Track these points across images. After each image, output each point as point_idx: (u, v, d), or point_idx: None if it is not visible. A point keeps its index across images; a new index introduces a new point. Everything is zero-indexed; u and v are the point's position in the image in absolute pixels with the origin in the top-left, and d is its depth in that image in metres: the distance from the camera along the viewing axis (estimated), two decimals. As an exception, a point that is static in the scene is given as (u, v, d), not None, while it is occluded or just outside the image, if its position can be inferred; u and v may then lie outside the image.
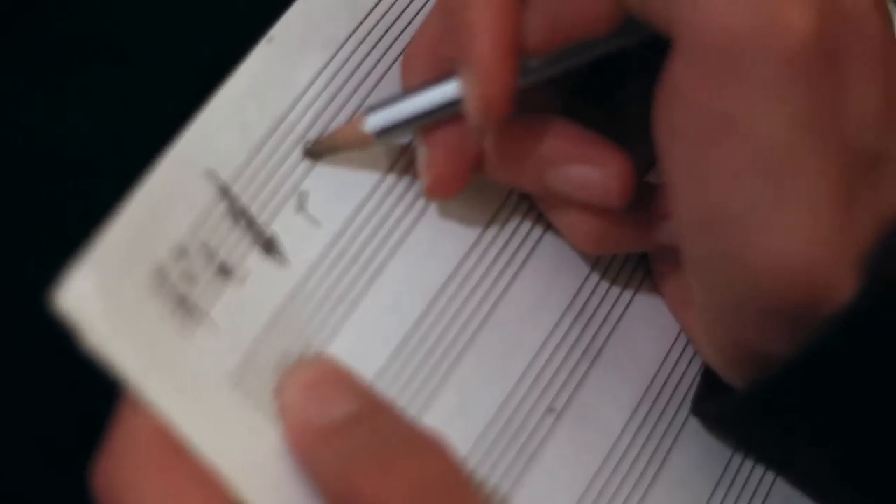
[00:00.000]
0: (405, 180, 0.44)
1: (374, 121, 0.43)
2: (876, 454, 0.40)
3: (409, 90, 0.43)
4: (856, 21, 0.38)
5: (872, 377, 0.39)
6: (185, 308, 0.39)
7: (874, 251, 0.38)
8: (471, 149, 0.43)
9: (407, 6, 0.46)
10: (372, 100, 0.45)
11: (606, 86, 0.45)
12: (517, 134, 0.43)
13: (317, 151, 0.43)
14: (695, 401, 0.46)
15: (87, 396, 0.41)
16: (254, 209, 0.42)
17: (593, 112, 0.44)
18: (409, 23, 0.46)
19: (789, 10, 0.36)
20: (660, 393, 0.46)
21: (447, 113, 0.42)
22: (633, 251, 0.46)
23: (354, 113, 0.44)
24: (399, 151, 0.45)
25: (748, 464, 0.46)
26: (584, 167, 0.42)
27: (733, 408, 0.42)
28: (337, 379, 0.40)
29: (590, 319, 0.46)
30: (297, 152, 0.43)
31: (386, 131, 0.43)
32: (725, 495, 0.45)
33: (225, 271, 0.40)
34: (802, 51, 0.36)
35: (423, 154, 0.43)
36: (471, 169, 0.43)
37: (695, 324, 0.45)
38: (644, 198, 0.44)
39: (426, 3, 0.46)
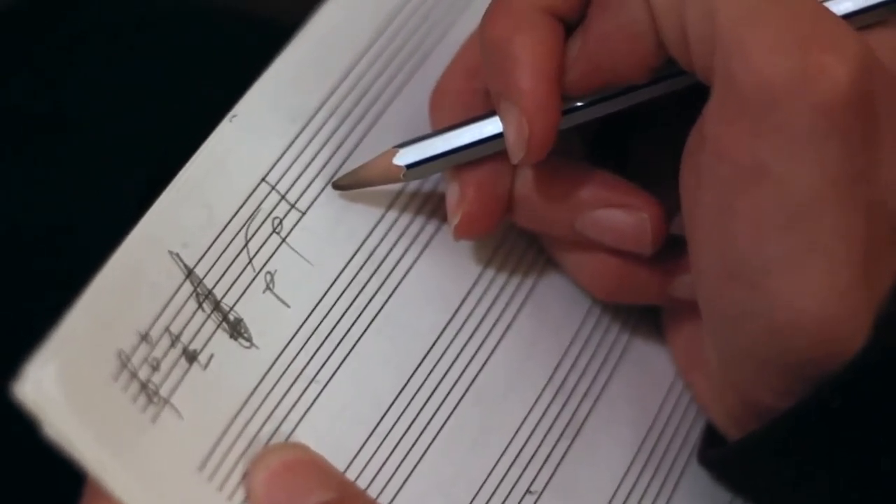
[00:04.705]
0: (377, 257, 0.43)
1: (405, 155, 0.42)
2: None
3: (439, 125, 0.43)
4: (895, 79, 0.38)
5: (875, 430, 0.39)
6: (147, 396, 0.38)
7: (885, 310, 0.38)
8: (503, 189, 0.43)
9: (379, 76, 0.45)
10: (343, 171, 0.44)
11: (619, 139, 0.45)
12: (552, 176, 0.43)
13: (343, 185, 0.43)
14: (699, 451, 0.46)
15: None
16: (218, 291, 0.41)
17: (607, 164, 0.44)
18: (382, 92, 0.45)
19: (829, 62, 0.36)
20: (644, 467, 0.45)
21: (482, 151, 0.42)
22: (645, 303, 0.46)
23: (324, 186, 0.43)
24: (370, 227, 0.44)
25: None
26: (619, 212, 0.43)
27: (737, 453, 0.42)
28: (306, 466, 0.40)
29: (570, 395, 0.45)
30: (265, 231, 0.42)
31: (416, 166, 0.42)
32: None
33: (188, 356, 0.39)
34: (839, 102, 0.36)
35: (454, 192, 0.43)
36: (502, 210, 0.43)
37: (702, 382, 0.45)
38: (661, 250, 0.44)
39: (399, 71, 0.46)
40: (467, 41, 0.44)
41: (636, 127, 0.45)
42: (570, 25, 0.41)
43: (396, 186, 0.44)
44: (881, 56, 0.38)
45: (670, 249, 0.44)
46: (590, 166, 0.44)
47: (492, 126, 0.42)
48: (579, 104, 0.42)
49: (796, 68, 0.36)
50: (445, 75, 0.44)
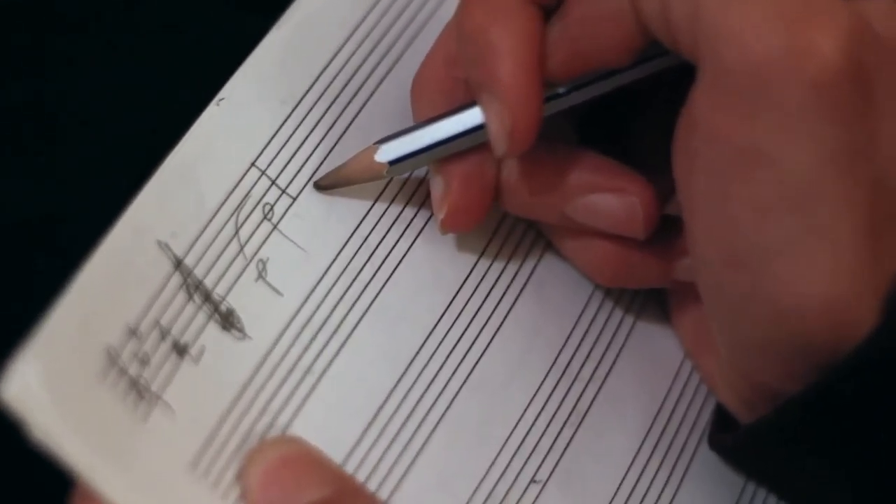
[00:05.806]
0: (371, 242, 0.42)
1: (388, 151, 0.41)
2: (889, 491, 0.39)
3: (421, 117, 0.42)
4: (890, 50, 0.37)
5: (887, 414, 0.38)
6: (137, 392, 0.37)
7: (893, 289, 0.37)
8: (489, 179, 0.42)
9: (367, 56, 0.44)
10: (334, 157, 0.43)
11: (620, 117, 0.45)
12: (539, 163, 0.42)
13: (325, 185, 0.42)
14: (709, 436, 0.45)
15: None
16: (209, 281, 0.40)
17: (607, 144, 0.43)
18: (371, 73, 0.44)
19: (819, 36, 0.35)
20: (652, 453, 0.44)
21: (465, 143, 0.41)
22: (648, 286, 0.45)
23: (314, 172, 0.42)
24: (364, 212, 0.43)
25: None
26: (609, 196, 0.42)
27: (748, 437, 0.41)
28: (302, 461, 0.39)
29: (574, 381, 0.44)
30: (255, 217, 0.41)
31: (399, 161, 0.41)
32: None
33: (179, 350, 0.38)
34: (832, 78, 0.35)
35: (438, 185, 0.42)
36: (489, 200, 0.42)
37: (711, 364, 0.44)
38: (662, 232, 0.43)
39: (388, 52, 0.45)
40: (446, 27, 0.43)
41: (632, 107, 0.44)
42: (548, 10, 0.40)
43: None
44: (875, 25, 0.37)
45: (671, 230, 0.43)
46: (578, 150, 0.43)
47: (474, 117, 0.41)
48: (562, 90, 0.41)
49: (784, 46, 0.35)
50: (425, 64, 0.43)
